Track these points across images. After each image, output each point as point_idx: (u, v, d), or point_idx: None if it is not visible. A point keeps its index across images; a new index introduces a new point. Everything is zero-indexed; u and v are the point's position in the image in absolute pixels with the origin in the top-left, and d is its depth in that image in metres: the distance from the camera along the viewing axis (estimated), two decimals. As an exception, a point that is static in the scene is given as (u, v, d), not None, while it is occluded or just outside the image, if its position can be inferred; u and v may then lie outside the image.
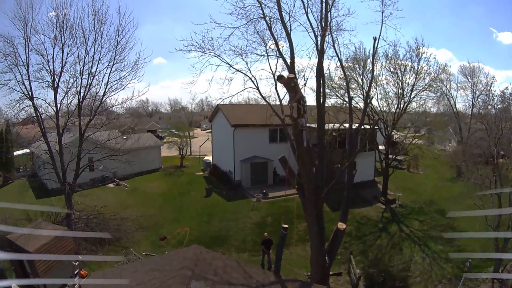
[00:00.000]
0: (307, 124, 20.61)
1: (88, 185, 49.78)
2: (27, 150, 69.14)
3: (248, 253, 35.10)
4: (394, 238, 39.21)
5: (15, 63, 38.69)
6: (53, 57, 39.28)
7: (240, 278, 14.36)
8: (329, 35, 23.15)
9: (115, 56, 40.45)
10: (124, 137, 58.61)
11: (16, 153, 72.97)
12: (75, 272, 18.57)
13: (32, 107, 40.09)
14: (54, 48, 39.09)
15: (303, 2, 21.65)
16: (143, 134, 75.03)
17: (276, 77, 18.95)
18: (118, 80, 41.57)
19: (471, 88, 72.26)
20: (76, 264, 18.41)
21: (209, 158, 71.88)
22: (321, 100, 22.53)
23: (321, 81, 22.23)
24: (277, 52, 21.76)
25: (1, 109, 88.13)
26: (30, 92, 39.62)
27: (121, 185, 58.78)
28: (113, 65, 40.73)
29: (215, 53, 22.26)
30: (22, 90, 39.48)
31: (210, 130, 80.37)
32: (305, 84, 22.43)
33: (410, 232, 40.63)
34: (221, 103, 50.10)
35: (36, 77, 39.70)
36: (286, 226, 19.29)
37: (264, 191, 49.37)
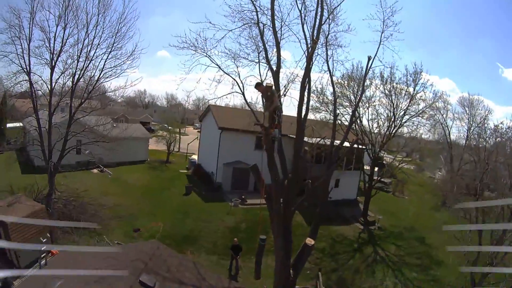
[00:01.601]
0: (291, 135, 20.94)
1: (73, 167, 50.75)
2: (20, 124, 69.19)
3: (218, 256, 35.14)
4: (368, 260, 39.19)
5: (18, 36, 38.96)
6: (54, 35, 39.61)
7: (192, 279, 14.90)
8: (323, 48, 23.39)
9: (113, 43, 40.60)
10: (114, 125, 58.58)
11: (9, 125, 73.30)
12: (43, 248, 18.89)
13: (28, 82, 40.26)
14: (57, 27, 39.39)
15: (300, 12, 21.95)
16: (132, 124, 74.48)
17: (255, 84, 18.94)
18: (113, 67, 41.61)
19: (468, 119, 72.43)
20: (44, 240, 18.75)
21: (195, 157, 71.81)
22: (303, 113, 22.64)
23: (305, 94, 22.34)
24: (265, 59, 21.90)
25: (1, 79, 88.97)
26: (28, 67, 39.77)
27: (105, 172, 58.84)
28: (110, 51, 40.84)
29: (206, 53, 22.46)
30: (20, 64, 39.58)
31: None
32: (284, 95, 22.52)
33: (386, 255, 40.61)
34: (210, 103, 49.99)
35: (36, 53, 39.92)
36: (264, 237, 19.53)
37: (243, 197, 49.46)
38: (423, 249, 42.94)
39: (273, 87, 18.93)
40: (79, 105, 42.20)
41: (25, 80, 40.19)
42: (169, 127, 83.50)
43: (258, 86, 18.42)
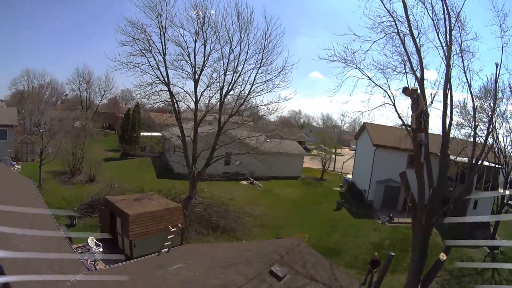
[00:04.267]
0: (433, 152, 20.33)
1: (220, 177, 51.29)
2: (155, 133, 72.71)
3: (356, 270, 33.55)
4: (485, 284, 35.40)
5: (149, 49, 39.97)
6: (194, 50, 40.85)
7: (324, 277, 14.26)
8: (458, 56, 22.10)
9: (261, 59, 40.71)
10: (268, 140, 58.92)
11: (144, 134, 78.01)
12: (166, 244, 19.34)
13: (168, 92, 41.64)
14: (195, 43, 40.55)
15: (432, 19, 21.06)
16: (286, 141, 75.48)
17: (402, 88, 18.33)
18: (265, 82, 41.91)
19: None
20: (170, 236, 18.93)
21: (350, 176, 69.77)
22: (447, 121, 21.48)
23: (448, 101, 21.24)
24: (410, 67, 21.07)
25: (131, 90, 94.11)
26: (166, 79, 40.97)
27: (255, 184, 59.38)
28: (260, 67, 41.11)
29: (356, 65, 22.15)
30: (156, 74, 40.90)
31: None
32: (432, 102, 21.52)
33: (500, 281, 36.64)
34: (361, 116, 49.09)
35: (175, 66, 41.29)
36: (393, 254, 18.84)
37: (391, 215, 47.40)
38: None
39: (418, 90, 18.29)
40: (229, 116, 43.15)
41: (164, 91, 41.59)
42: (325, 147, 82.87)
43: (405, 90, 17.91)
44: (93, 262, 25.07)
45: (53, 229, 18.66)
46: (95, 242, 28.83)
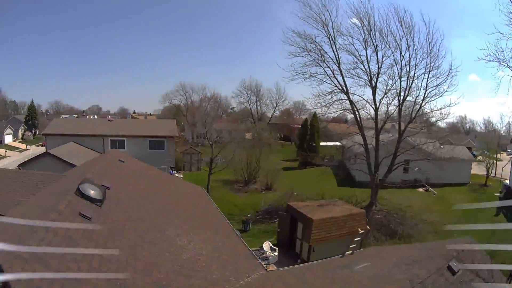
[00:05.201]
0: None
1: (398, 185, 52.68)
2: (334, 143, 74.72)
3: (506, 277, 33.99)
4: None
5: (321, 58, 41.66)
6: (367, 58, 41.79)
7: (484, 273, 15.43)
8: None
9: (430, 63, 40.59)
10: (442, 146, 59.40)
11: (322, 144, 79.07)
12: (351, 246, 21.23)
13: (348, 101, 42.91)
14: (366, 50, 41.45)
15: None
16: (457, 146, 74.60)
17: None
18: (436, 87, 41.46)
19: None
20: (357, 239, 20.96)
21: (507, 181, 68.02)
22: None
23: None
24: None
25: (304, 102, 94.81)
26: (344, 87, 42.22)
27: (430, 191, 59.87)
28: (429, 71, 40.92)
29: (507, 64, 22.63)
30: (334, 83, 42.31)
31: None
32: None
33: None
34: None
35: (351, 74, 42.34)
36: None
37: (530, 216, 45.80)
38: None
39: None
40: (408, 122, 43.59)
41: (344, 99, 42.89)
42: (488, 152, 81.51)
43: None
44: (266, 266, 25.29)
45: (228, 232, 20.64)
46: (270, 246, 30.65)
